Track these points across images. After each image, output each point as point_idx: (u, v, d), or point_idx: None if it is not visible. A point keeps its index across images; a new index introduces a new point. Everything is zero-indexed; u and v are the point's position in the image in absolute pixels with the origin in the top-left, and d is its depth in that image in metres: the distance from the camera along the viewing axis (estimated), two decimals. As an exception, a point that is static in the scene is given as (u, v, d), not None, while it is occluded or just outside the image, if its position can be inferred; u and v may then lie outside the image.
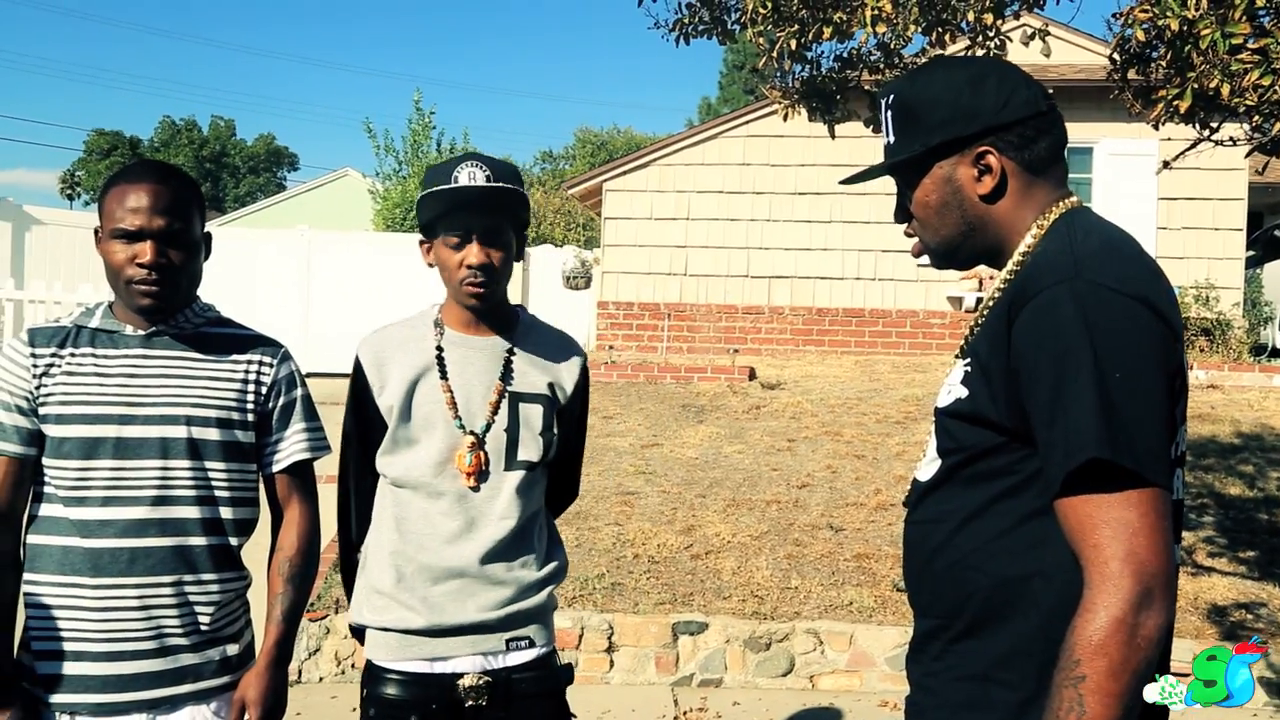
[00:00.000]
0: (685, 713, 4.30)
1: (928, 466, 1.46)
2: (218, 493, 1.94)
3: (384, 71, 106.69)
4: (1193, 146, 3.19)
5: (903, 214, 1.53)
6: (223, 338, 2.02)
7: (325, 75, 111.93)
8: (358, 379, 2.06)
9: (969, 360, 1.39)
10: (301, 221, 14.82)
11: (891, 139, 1.48)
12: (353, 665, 4.63)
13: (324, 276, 12.58)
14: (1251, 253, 11.82)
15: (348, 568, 2.14)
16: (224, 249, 12.47)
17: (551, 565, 2.07)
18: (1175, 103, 2.47)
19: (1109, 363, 1.21)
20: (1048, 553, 1.30)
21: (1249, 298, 11.26)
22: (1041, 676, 1.25)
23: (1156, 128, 2.96)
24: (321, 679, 4.61)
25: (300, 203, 28.74)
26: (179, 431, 1.90)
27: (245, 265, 12.40)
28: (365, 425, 2.05)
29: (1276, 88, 2.23)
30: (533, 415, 2.03)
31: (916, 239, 1.53)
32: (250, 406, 1.99)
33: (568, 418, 2.12)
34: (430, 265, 2.05)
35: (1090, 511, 1.20)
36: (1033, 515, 1.31)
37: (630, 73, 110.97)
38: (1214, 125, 2.92)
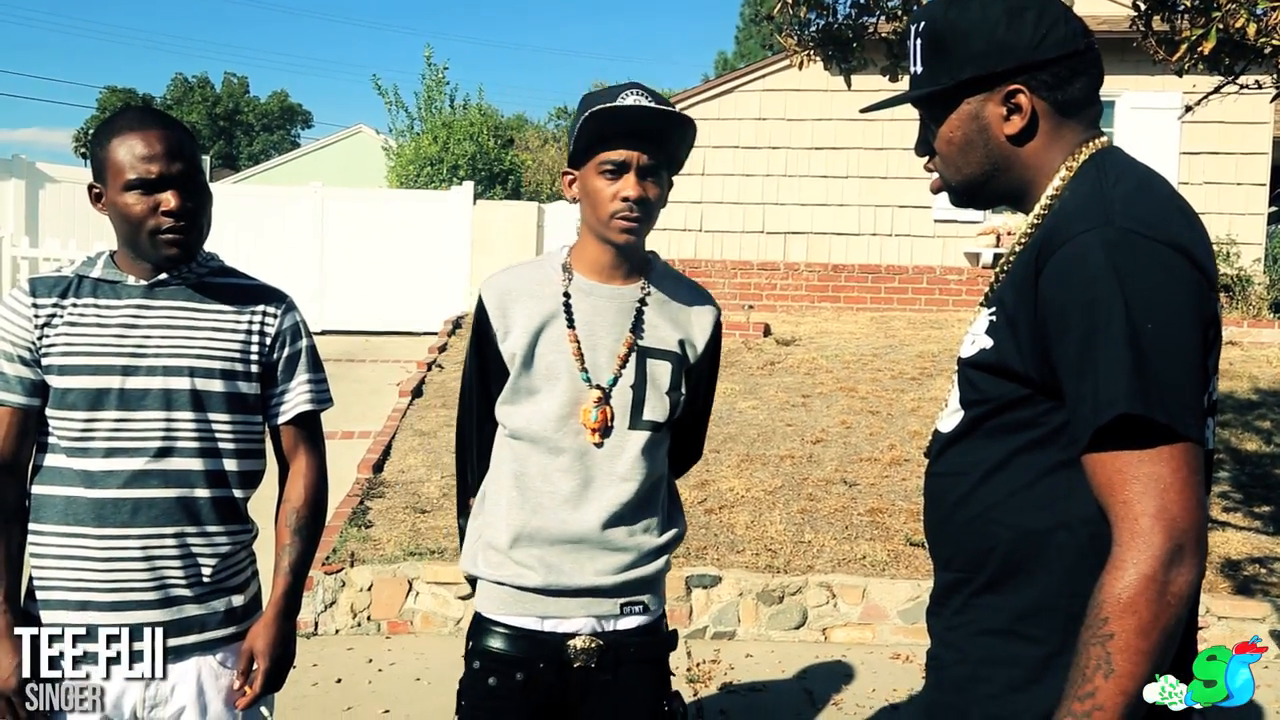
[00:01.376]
0: (698, 664, 4.33)
1: (949, 417, 1.42)
2: (221, 444, 1.93)
3: (398, 26, 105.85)
4: (1216, 91, 3.11)
5: (924, 147, 1.47)
6: (226, 287, 1.99)
7: (339, 31, 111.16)
8: (481, 322, 1.95)
9: (994, 309, 1.34)
10: (315, 178, 14.79)
11: (919, 69, 1.41)
12: (369, 617, 4.67)
13: (338, 233, 12.55)
14: (1275, 208, 11.65)
15: (463, 512, 2.09)
16: (238, 206, 12.55)
17: (672, 531, 2.00)
18: (1200, 46, 2.40)
19: (1141, 313, 1.16)
20: (1072, 506, 1.27)
21: (1270, 254, 11.12)
22: (1066, 631, 1.22)
23: (1180, 74, 2.88)
24: (338, 631, 4.65)
25: (314, 160, 28.66)
26: (182, 383, 1.88)
27: (258, 223, 12.38)
28: (486, 371, 1.97)
29: (1304, 27, 2.17)
30: (660, 372, 1.93)
31: (936, 175, 1.47)
32: (254, 357, 1.97)
33: (696, 376, 2.01)
34: (572, 200, 1.92)
35: (1120, 467, 1.16)
36: (1057, 468, 1.28)
37: (646, 27, 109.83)
38: (1238, 70, 2.85)
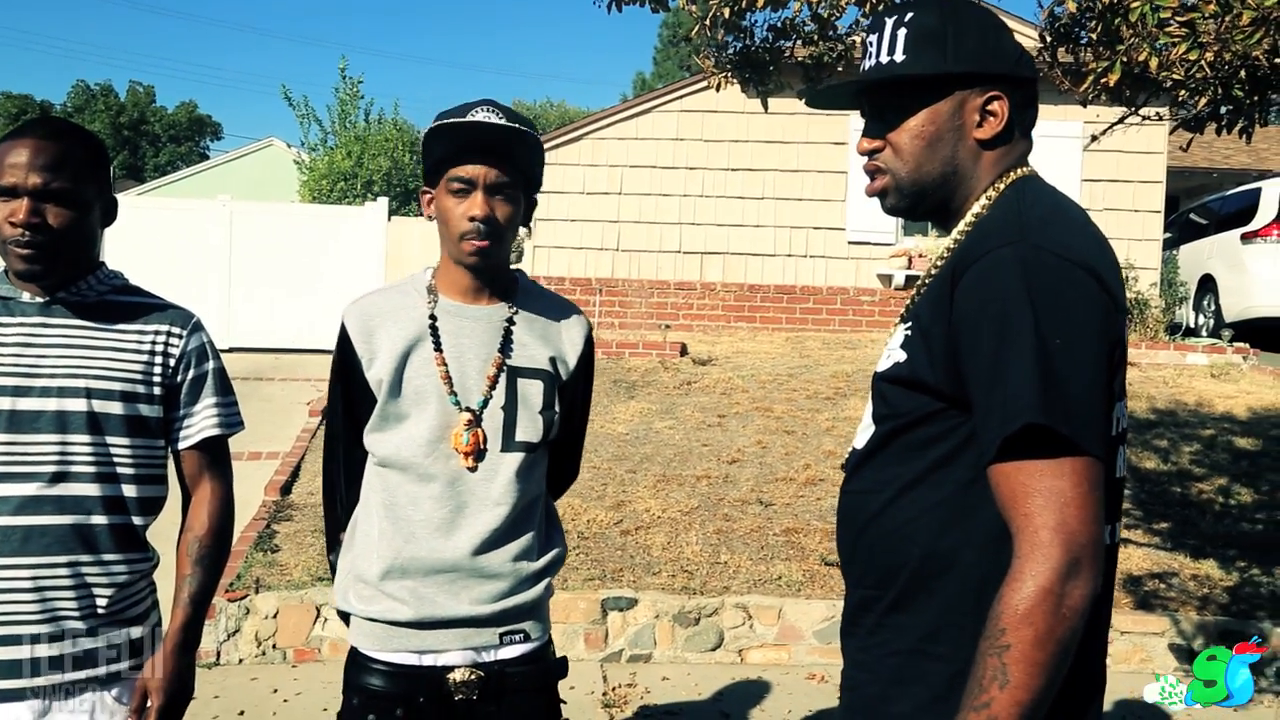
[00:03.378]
0: (614, 688, 4.29)
1: (863, 433, 1.43)
2: (120, 469, 1.83)
3: (311, 39, 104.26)
4: (1120, 121, 3.22)
5: (876, 139, 1.43)
6: (129, 306, 1.90)
7: (250, 41, 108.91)
8: (344, 349, 1.88)
9: (910, 324, 1.36)
10: (225, 192, 14.42)
11: (899, 57, 1.38)
12: (274, 646, 4.52)
13: (247, 248, 12.26)
14: (1168, 234, 12.12)
15: (333, 547, 2.00)
16: (141, 219, 12.17)
17: (550, 554, 1.94)
18: (1105, 77, 2.48)
19: (1050, 329, 1.18)
20: (978, 524, 1.27)
21: (1165, 278, 11.55)
22: (971, 649, 1.22)
23: (1085, 104, 2.97)
24: (241, 660, 4.49)
25: (223, 172, 27.98)
26: (78, 405, 1.79)
27: (164, 236, 12.03)
28: (351, 399, 1.90)
29: (1202, 62, 2.25)
30: (532, 392, 1.88)
31: (878, 176, 1.44)
32: (157, 379, 1.88)
33: (570, 394, 1.96)
34: (430, 218, 1.87)
35: (1023, 479, 1.18)
36: (965, 486, 1.29)
37: (564, 46, 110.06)
38: (1139, 102, 2.95)
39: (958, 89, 1.38)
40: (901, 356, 1.34)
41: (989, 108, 1.38)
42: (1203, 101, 2.44)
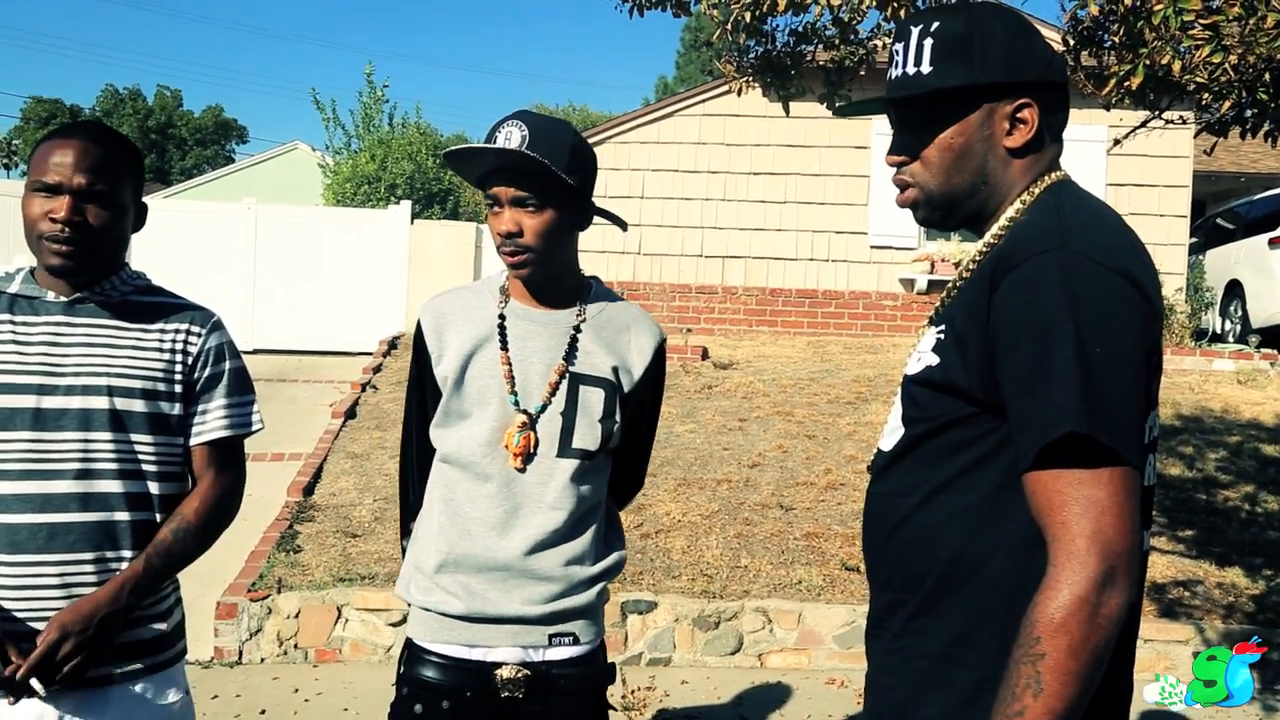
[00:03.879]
0: (633, 691, 4.29)
1: (891, 435, 1.42)
2: (144, 467, 1.85)
3: (337, 44, 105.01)
4: (1143, 125, 3.20)
5: (904, 155, 1.43)
6: (150, 306, 1.93)
7: (276, 46, 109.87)
8: (418, 344, 1.95)
9: (942, 327, 1.35)
10: (250, 195, 14.53)
11: (926, 68, 1.37)
12: (295, 645, 4.55)
13: (271, 251, 12.33)
14: (1194, 239, 12.01)
15: (406, 534, 2.05)
16: (168, 222, 12.27)
17: (608, 561, 1.94)
18: (1127, 80, 2.46)
19: (1091, 337, 1.18)
20: (1009, 529, 1.27)
21: (1191, 283, 11.45)
22: (1000, 655, 1.22)
23: (1108, 108, 2.96)
24: (263, 660, 4.53)
25: (248, 175, 28.20)
26: (101, 403, 1.81)
27: (190, 239, 12.13)
28: (423, 393, 1.96)
29: (1226, 65, 2.23)
30: (593, 400, 1.89)
31: (908, 189, 1.44)
32: (178, 377, 1.90)
33: (634, 404, 1.95)
34: None
35: (1060, 488, 1.17)
36: (997, 491, 1.29)
37: (587, 51, 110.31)
38: (1163, 105, 2.93)
39: (986, 100, 1.37)
40: (934, 360, 1.34)
41: (1019, 116, 1.37)
42: (1227, 105, 2.42)
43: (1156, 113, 2.93)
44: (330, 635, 4.57)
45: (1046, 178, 1.39)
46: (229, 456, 1.98)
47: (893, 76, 1.43)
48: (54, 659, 1.73)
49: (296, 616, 4.57)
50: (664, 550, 5.16)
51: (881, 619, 1.43)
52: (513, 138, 1.80)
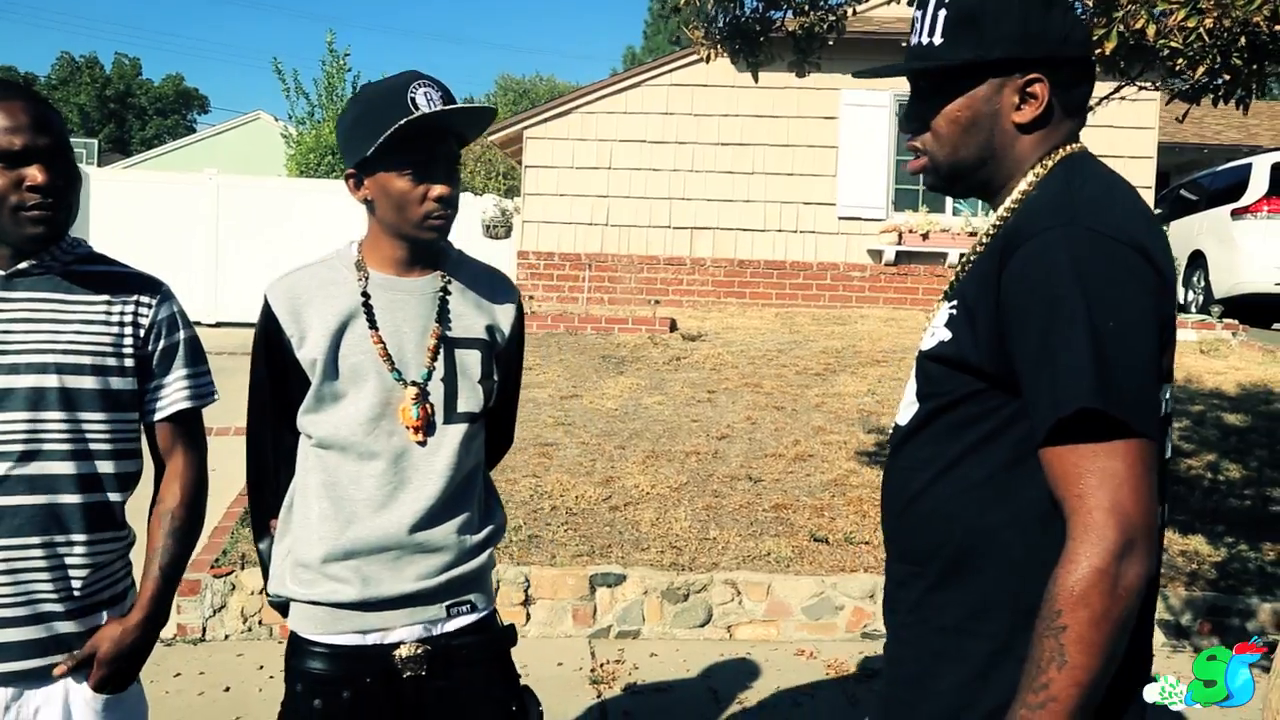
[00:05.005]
0: (602, 664, 4.28)
1: (907, 410, 1.43)
2: (94, 445, 1.79)
3: (299, 11, 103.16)
4: (1115, 92, 3.18)
5: (916, 123, 1.44)
6: (95, 276, 1.84)
7: (237, 12, 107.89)
8: (270, 329, 1.84)
9: (955, 303, 1.35)
10: (212, 165, 14.29)
11: (937, 40, 1.38)
12: (260, 622, 4.50)
13: (234, 222, 12.16)
14: (1159, 210, 12.11)
15: (261, 536, 1.96)
16: (128, 193, 12.06)
17: (490, 526, 1.92)
18: (1100, 46, 2.44)
19: (1103, 311, 1.18)
20: (1022, 503, 1.28)
21: (1156, 254, 11.53)
22: (1013, 628, 1.25)
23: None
24: (227, 637, 4.47)
25: (210, 146, 27.76)
26: (49, 381, 1.74)
27: (150, 210, 11.93)
28: (281, 380, 1.85)
29: (1201, 29, 2.20)
30: (470, 362, 1.86)
31: (920, 157, 1.46)
32: (128, 351, 1.83)
33: (504, 361, 1.95)
34: (363, 201, 1.82)
35: (1076, 460, 1.18)
36: (1009, 465, 1.30)
37: (554, 20, 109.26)
38: (1134, 73, 2.90)
39: (992, 75, 1.36)
40: (946, 335, 1.34)
41: (1029, 90, 1.35)
42: (1200, 70, 2.40)
43: (1129, 80, 2.91)
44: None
45: (1060, 150, 1.38)
46: (191, 430, 1.94)
47: (910, 43, 1.43)
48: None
49: (261, 592, 4.51)
50: (632, 523, 5.15)
51: (897, 592, 1.44)
52: (434, 100, 1.74)
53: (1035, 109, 1.35)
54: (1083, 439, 1.17)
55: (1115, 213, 1.26)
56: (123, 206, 11.55)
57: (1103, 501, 1.16)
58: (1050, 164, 1.36)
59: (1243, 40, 2.25)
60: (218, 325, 11.47)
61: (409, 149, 1.74)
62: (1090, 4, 2.40)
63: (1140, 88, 3.07)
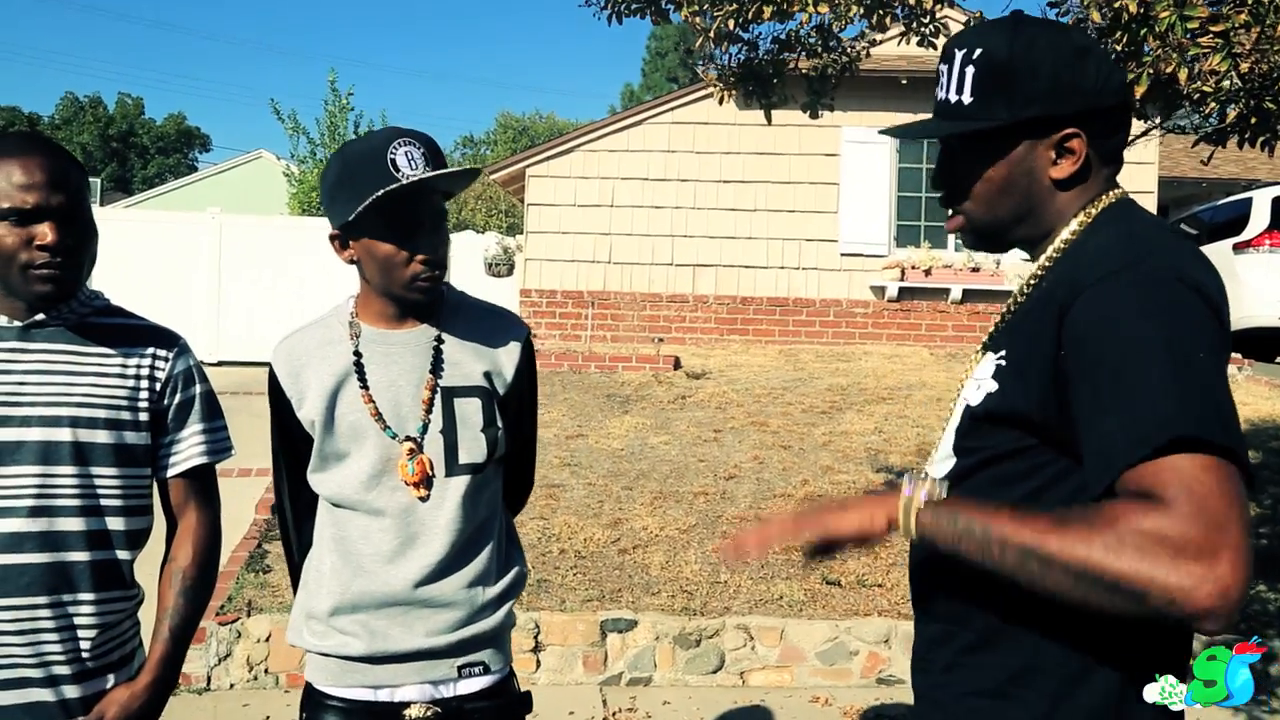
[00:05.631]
0: (614, 713, 4.20)
1: (942, 463, 1.36)
2: (105, 502, 1.74)
3: (300, 51, 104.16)
4: (1144, 134, 3.16)
5: (949, 187, 1.38)
6: (112, 328, 1.81)
7: (239, 53, 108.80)
8: (274, 391, 1.84)
9: (1002, 353, 1.29)
10: (214, 204, 14.32)
11: (967, 98, 1.31)
12: (266, 670, 4.42)
13: (236, 261, 12.16)
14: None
15: (295, 587, 1.95)
16: (131, 232, 12.06)
17: (509, 577, 1.87)
18: (1132, 89, 2.42)
19: (1180, 347, 1.12)
20: None
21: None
22: (1056, 696, 1.18)
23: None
24: (233, 685, 4.39)
25: (212, 184, 27.88)
26: (62, 434, 1.70)
27: (153, 249, 11.93)
28: (290, 440, 1.86)
29: (1234, 73, 2.19)
30: (470, 410, 1.80)
31: (955, 215, 1.40)
32: (143, 405, 1.80)
33: (514, 405, 1.88)
34: (350, 261, 1.78)
35: (1158, 472, 1.06)
36: None
37: (553, 57, 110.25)
38: (1166, 116, 2.89)
39: (1026, 137, 1.30)
40: (993, 386, 1.28)
41: (1066, 145, 1.30)
42: (1233, 115, 2.38)
43: (1159, 124, 2.90)
44: (303, 659, 4.44)
45: (1104, 198, 1.33)
46: (206, 486, 1.90)
47: (938, 98, 1.37)
48: None
49: (267, 640, 4.44)
50: (642, 566, 5.08)
51: (930, 651, 1.37)
52: (416, 161, 1.70)
53: (1073, 164, 1.29)
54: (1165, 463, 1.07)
55: (1173, 255, 1.22)
56: (125, 245, 11.55)
57: (1191, 503, 1.03)
58: (1095, 211, 1.31)
59: None
60: (220, 364, 11.44)
61: (392, 213, 1.70)
62: (1120, 48, 2.38)
63: (1165, 131, 3.06)
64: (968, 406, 1.33)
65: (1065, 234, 1.32)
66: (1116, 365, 1.14)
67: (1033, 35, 1.30)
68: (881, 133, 1.56)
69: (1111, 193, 1.33)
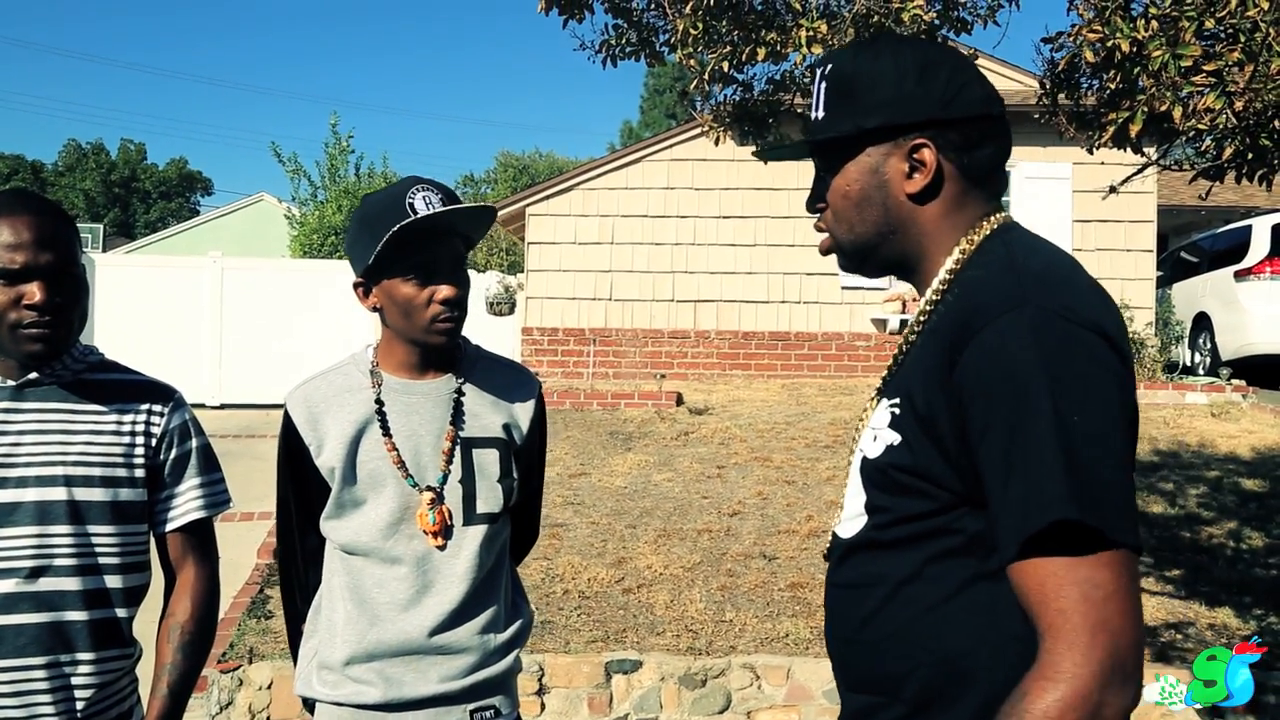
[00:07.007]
0: (620, 756, 4.15)
1: (850, 522, 1.28)
2: (103, 560, 1.73)
3: (300, 94, 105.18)
4: (1140, 171, 3.18)
5: (816, 200, 1.35)
6: (106, 385, 1.80)
7: (239, 97, 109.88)
8: (290, 438, 1.84)
9: (895, 401, 1.22)
10: (215, 247, 14.41)
11: (820, 114, 1.30)
12: (268, 718, 4.38)
13: (238, 304, 12.19)
14: (1160, 273, 12.14)
15: (294, 636, 1.94)
16: (133, 276, 12.13)
17: (517, 624, 1.90)
18: (1128, 127, 2.43)
19: (1069, 407, 1.06)
20: (997, 622, 1.14)
21: (1160, 317, 11.54)
22: None
23: (1092, 151, 2.93)
24: (234, 734, 4.34)
25: (214, 228, 28.05)
26: (58, 494, 1.69)
27: (155, 293, 11.96)
28: (303, 486, 1.85)
29: (1229, 111, 2.19)
30: (488, 461, 1.84)
31: (826, 235, 1.36)
32: (139, 461, 1.78)
33: (526, 457, 1.92)
34: (374, 308, 1.81)
35: (1054, 571, 1.05)
36: (977, 579, 1.16)
37: (551, 97, 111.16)
38: (1160, 152, 2.91)
39: (869, 143, 1.27)
40: (894, 438, 1.20)
41: (915, 156, 1.25)
42: (1229, 151, 2.39)
43: (1155, 160, 2.91)
44: (302, 711, 4.40)
45: (985, 223, 1.27)
46: (204, 540, 1.88)
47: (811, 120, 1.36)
48: None
49: (269, 688, 4.40)
50: (647, 606, 5.04)
51: None
52: (433, 203, 1.73)
53: (925, 176, 1.25)
54: (1059, 552, 1.04)
55: (1065, 291, 1.15)
56: (127, 291, 11.59)
57: (1090, 619, 1.02)
58: (977, 238, 1.25)
59: (1277, 122, 2.23)
60: (221, 407, 11.44)
61: (411, 253, 1.73)
62: (1113, 86, 2.39)
63: (1163, 169, 3.07)
64: (865, 460, 1.26)
65: (949, 264, 1.26)
66: (1002, 430, 1.09)
67: (880, 49, 1.30)
68: (753, 154, 1.54)
69: (993, 217, 1.28)
